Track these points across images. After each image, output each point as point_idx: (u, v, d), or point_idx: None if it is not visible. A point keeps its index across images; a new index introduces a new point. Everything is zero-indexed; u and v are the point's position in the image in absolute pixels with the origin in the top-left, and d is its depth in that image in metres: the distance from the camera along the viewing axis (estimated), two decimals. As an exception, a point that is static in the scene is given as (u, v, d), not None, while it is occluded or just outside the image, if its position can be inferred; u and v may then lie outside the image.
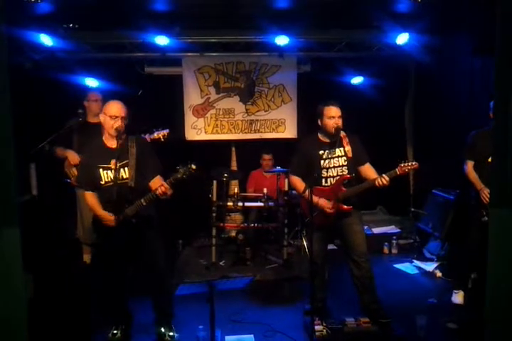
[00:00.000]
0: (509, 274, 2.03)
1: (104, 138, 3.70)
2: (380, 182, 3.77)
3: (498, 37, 1.84)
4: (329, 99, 4.07)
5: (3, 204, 1.67)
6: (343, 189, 3.92)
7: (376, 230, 6.49)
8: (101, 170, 3.61)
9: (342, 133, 4.02)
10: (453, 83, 6.04)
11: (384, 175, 3.79)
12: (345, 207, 3.93)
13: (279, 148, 6.59)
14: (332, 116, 3.92)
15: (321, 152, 3.98)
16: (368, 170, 4.02)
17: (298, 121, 6.93)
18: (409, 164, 3.76)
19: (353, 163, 4.01)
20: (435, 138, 6.50)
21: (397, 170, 3.77)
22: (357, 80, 6.83)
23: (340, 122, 3.93)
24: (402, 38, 5.90)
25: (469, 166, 4.36)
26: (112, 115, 3.58)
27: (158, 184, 3.54)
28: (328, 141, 4.00)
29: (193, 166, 3.44)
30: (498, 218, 2.03)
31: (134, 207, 3.55)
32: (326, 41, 6.43)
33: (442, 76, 6.29)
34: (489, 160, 4.16)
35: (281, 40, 6.00)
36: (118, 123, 3.57)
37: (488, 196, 4.09)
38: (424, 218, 6.40)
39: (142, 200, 3.54)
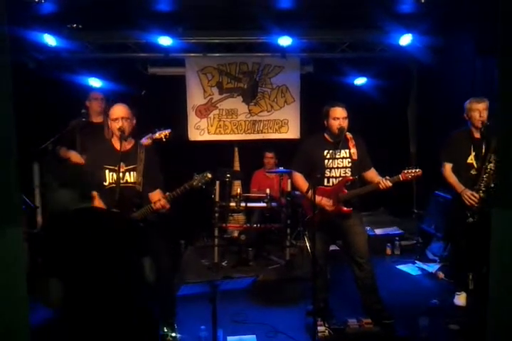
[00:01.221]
0: (512, 275, 2.02)
1: (113, 140, 3.76)
2: (383, 185, 3.79)
3: (499, 37, 1.83)
4: (332, 99, 4.07)
5: (5, 203, 1.67)
6: (345, 191, 3.92)
7: (379, 231, 6.48)
8: (107, 170, 3.64)
9: (348, 135, 4.01)
10: (455, 84, 6.03)
11: (387, 177, 3.80)
12: (345, 208, 3.92)
13: (282, 149, 6.59)
14: (337, 117, 3.91)
15: (325, 152, 3.97)
16: (373, 175, 4.03)
17: (301, 122, 6.93)
18: (413, 171, 3.79)
19: (357, 167, 4.00)
20: (438, 139, 6.48)
21: (401, 177, 3.80)
22: (360, 81, 6.83)
23: (344, 123, 3.92)
24: (405, 39, 5.89)
25: (447, 168, 4.32)
26: (114, 117, 3.66)
27: (157, 196, 3.62)
28: (333, 141, 4.00)
29: (209, 175, 3.57)
30: (501, 219, 2.02)
31: (143, 211, 3.58)
32: (328, 42, 6.45)
33: (445, 77, 6.28)
34: (468, 161, 4.16)
35: (284, 41, 6.00)
36: (119, 123, 3.62)
37: (472, 197, 4.08)
38: (426, 219, 6.39)
39: (152, 205, 3.59)
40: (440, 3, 5.19)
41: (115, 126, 3.63)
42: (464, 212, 4.15)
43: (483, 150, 4.11)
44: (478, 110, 4.08)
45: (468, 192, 4.11)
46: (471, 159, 4.16)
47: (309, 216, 3.93)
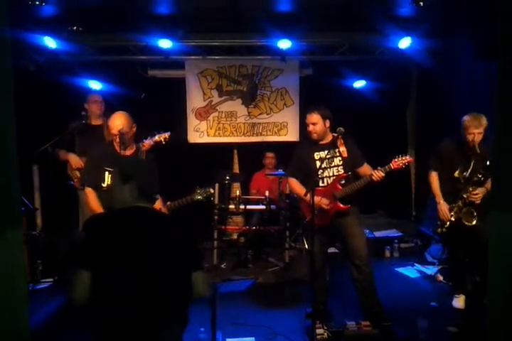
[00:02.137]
0: (510, 278, 2.02)
1: (114, 143, 3.79)
2: (376, 176, 3.83)
3: (498, 39, 1.84)
4: (331, 102, 4.15)
5: (6, 205, 1.68)
6: (339, 187, 3.96)
7: (378, 234, 6.49)
8: (106, 172, 3.65)
9: (335, 136, 4.07)
10: (455, 86, 6.04)
11: (379, 168, 3.85)
12: (342, 206, 3.95)
13: (281, 152, 6.60)
14: (306, 123, 4.06)
15: (315, 154, 4.05)
16: (367, 170, 4.05)
17: (300, 125, 6.93)
18: (402, 158, 3.86)
19: (349, 164, 4.05)
20: (437, 141, 6.48)
21: (391, 165, 3.86)
22: (359, 84, 6.85)
23: (312, 128, 4.01)
24: (405, 42, 5.90)
25: (433, 176, 4.36)
26: (113, 133, 3.73)
27: (157, 205, 3.63)
28: (321, 143, 4.08)
29: (211, 190, 3.72)
30: (499, 222, 2.03)
31: None
32: (328, 45, 6.46)
33: (444, 79, 6.29)
34: (455, 175, 4.17)
35: (284, 44, 6.02)
36: (117, 140, 3.71)
37: (445, 214, 4.18)
38: (425, 221, 6.39)
39: None
40: (439, 6, 5.20)
41: (116, 139, 3.71)
42: (436, 223, 4.30)
43: (469, 171, 4.11)
44: (474, 134, 4.01)
45: (444, 207, 4.21)
46: (457, 174, 4.18)
47: (308, 218, 3.95)
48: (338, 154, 4.03)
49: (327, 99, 5.54)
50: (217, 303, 3.03)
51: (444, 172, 4.30)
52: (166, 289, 2.17)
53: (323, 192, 4.00)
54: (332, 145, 4.03)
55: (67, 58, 6.18)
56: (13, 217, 1.67)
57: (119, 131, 3.66)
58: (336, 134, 4.05)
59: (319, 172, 3.99)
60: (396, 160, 3.85)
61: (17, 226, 1.67)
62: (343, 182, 4.00)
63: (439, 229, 4.27)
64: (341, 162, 4.03)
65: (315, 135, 4.03)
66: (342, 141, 4.05)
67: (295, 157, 4.23)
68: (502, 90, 1.94)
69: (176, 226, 2.37)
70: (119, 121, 3.70)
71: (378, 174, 3.83)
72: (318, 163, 4.00)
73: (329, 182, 4.04)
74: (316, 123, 4.01)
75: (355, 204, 4.09)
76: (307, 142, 4.20)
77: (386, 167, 3.86)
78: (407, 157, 3.87)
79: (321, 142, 4.08)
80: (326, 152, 4.00)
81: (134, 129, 3.80)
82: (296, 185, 4.16)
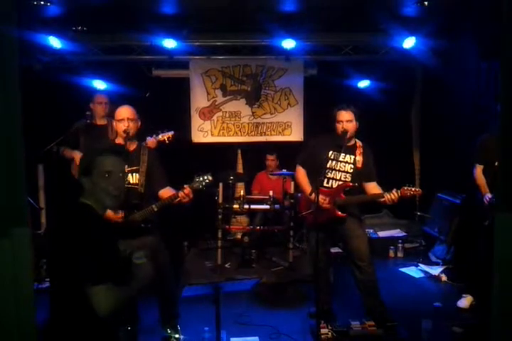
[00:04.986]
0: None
1: (116, 141, 3.75)
2: (390, 198, 3.75)
3: (502, 39, 1.84)
4: (335, 102, 4.10)
5: (12, 203, 1.69)
6: (343, 196, 3.92)
7: (382, 234, 6.49)
8: None
9: (358, 143, 4.04)
10: (459, 86, 6.04)
11: (394, 191, 3.76)
12: (340, 213, 3.91)
13: (285, 151, 6.59)
14: (340, 120, 3.94)
15: (330, 152, 3.99)
16: (374, 189, 4.00)
17: (304, 124, 6.94)
18: (413, 189, 3.76)
19: (359, 175, 3.99)
20: (441, 142, 6.49)
21: (399, 192, 3.76)
22: (363, 84, 6.84)
23: (348, 126, 3.92)
24: (409, 42, 5.90)
25: (478, 170, 4.33)
26: (119, 118, 3.65)
27: (170, 192, 3.59)
28: (339, 143, 4.00)
29: (210, 177, 3.55)
30: (504, 222, 2.02)
31: (144, 212, 3.56)
32: (332, 45, 6.46)
33: (449, 79, 6.28)
34: (497, 164, 4.15)
35: (288, 44, 6.02)
36: (125, 124, 3.61)
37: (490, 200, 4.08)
38: (429, 222, 6.39)
39: (154, 206, 3.56)
40: (444, 6, 5.20)
41: (121, 127, 3.62)
42: (484, 215, 4.14)
43: None
44: None
45: (489, 195, 4.13)
46: None
47: (303, 213, 3.95)
48: (352, 161, 3.98)
49: (331, 98, 5.53)
50: (221, 303, 3.04)
51: (487, 165, 4.26)
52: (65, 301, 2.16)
53: (325, 192, 3.95)
54: (350, 151, 3.98)
55: (72, 58, 6.20)
56: (20, 216, 1.68)
57: (127, 119, 3.63)
58: (360, 142, 4.01)
59: (326, 171, 3.95)
60: (405, 188, 3.74)
61: (23, 225, 1.68)
62: (346, 189, 3.95)
63: (487, 222, 4.09)
64: (352, 170, 3.97)
65: (343, 134, 3.90)
66: (361, 150, 4.00)
67: (310, 146, 4.17)
68: (506, 90, 1.94)
69: (92, 235, 2.09)
70: (127, 111, 3.65)
71: (392, 196, 3.73)
72: (329, 162, 3.97)
73: (334, 184, 3.99)
74: (351, 120, 3.94)
75: (357, 213, 4.06)
76: (325, 137, 4.10)
77: (394, 192, 3.76)
78: (417, 189, 3.76)
79: (340, 143, 3.96)
80: (343, 155, 3.95)
81: (139, 123, 3.75)
82: (302, 175, 4.09)
